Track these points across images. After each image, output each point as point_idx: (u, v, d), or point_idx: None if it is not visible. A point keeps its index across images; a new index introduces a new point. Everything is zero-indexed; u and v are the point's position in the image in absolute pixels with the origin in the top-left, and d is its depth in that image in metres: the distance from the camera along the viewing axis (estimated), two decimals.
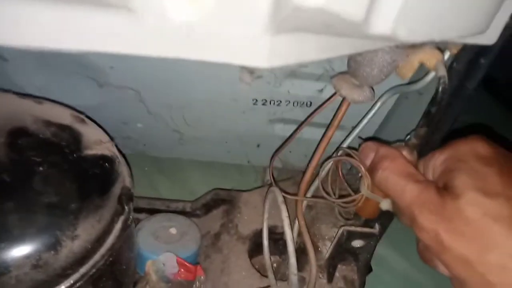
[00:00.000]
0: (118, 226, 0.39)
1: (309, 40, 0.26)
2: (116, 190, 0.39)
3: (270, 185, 0.52)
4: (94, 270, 0.36)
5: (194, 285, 0.56)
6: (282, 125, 0.61)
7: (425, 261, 0.36)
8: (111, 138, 0.42)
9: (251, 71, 0.46)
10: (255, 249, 0.62)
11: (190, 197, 0.70)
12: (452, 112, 0.39)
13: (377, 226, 0.53)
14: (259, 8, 0.22)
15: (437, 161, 0.35)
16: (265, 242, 0.53)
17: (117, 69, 0.50)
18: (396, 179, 0.35)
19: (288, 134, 0.59)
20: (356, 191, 0.47)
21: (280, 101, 0.55)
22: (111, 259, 0.38)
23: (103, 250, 0.37)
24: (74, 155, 0.37)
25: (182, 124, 0.60)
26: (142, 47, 0.25)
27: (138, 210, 0.66)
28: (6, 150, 0.34)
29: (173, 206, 0.66)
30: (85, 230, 0.34)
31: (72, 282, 0.34)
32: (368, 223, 0.54)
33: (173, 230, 0.60)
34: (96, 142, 0.39)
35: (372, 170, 0.38)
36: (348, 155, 0.45)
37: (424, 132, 0.38)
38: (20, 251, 0.31)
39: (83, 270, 0.35)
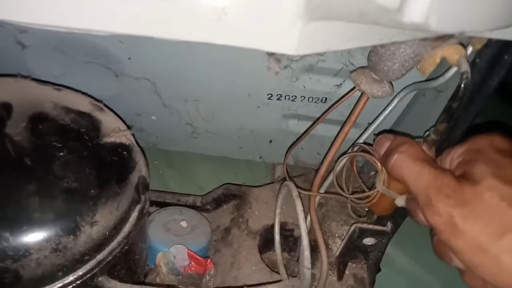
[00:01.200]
0: (134, 214, 0.39)
1: (338, 29, 0.26)
2: (134, 178, 0.39)
3: (284, 180, 0.52)
4: (110, 257, 0.36)
5: (204, 278, 0.55)
6: (296, 121, 0.61)
7: (438, 255, 0.36)
8: (129, 127, 0.42)
9: (278, 59, 0.45)
10: (265, 245, 0.61)
11: (199, 192, 0.70)
12: (473, 108, 0.39)
13: (389, 224, 0.53)
14: None
15: (455, 154, 0.35)
16: (277, 236, 0.53)
17: (134, 60, 0.50)
18: (412, 163, 0.35)
19: (301, 130, 0.59)
20: (370, 188, 0.46)
21: (295, 96, 0.55)
22: (126, 247, 0.38)
23: (120, 237, 0.37)
24: (94, 142, 0.37)
25: (196, 117, 0.60)
26: (172, 31, 0.25)
27: (149, 202, 0.66)
28: (27, 135, 0.34)
29: (184, 200, 0.66)
30: (104, 217, 0.34)
31: (89, 268, 0.34)
32: (380, 221, 0.54)
33: (183, 224, 0.60)
34: (114, 130, 0.39)
35: (387, 156, 0.38)
36: (365, 150, 0.45)
37: (443, 128, 0.38)
38: (41, 234, 0.31)
39: (100, 256, 0.35)
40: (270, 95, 0.55)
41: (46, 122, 0.36)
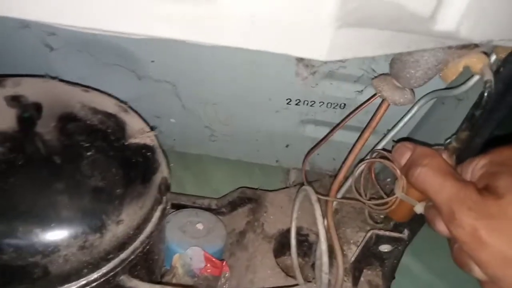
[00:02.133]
0: (157, 214, 0.39)
1: (369, 35, 0.26)
2: (157, 179, 0.39)
3: (301, 185, 0.52)
4: (132, 257, 0.37)
5: (219, 281, 0.56)
6: (313, 126, 0.61)
7: (459, 265, 0.36)
8: (152, 129, 0.43)
9: (307, 65, 0.46)
10: (279, 249, 0.62)
11: (213, 195, 0.70)
12: (495, 117, 0.39)
13: (406, 231, 0.53)
14: None
15: (477, 165, 0.35)
16: (293, 241, 0.53)
17: (157, 63, 0.51)
18: (435, 176, 0.35)
19: (318, 136, 0.59)
20: (388, 194, 0.47)
21: (314, 102, 0.56)
22: (147, 247, 0.39)
23: (142, 237, 0.37)
24: (120, 142, 0.38)
25: (215, 120, 0.61)
26: (205, 35, 0.26)
27: None
28: (57, 134, 0.35)
29: (199, 202, 0.67)
30: (128, 216, 0.35)
31: (112, 266, 0.35)
32: (397, 228, 0.54)
33: (199, 226, 0.60)
34: (139, 131, 0.40)
35: (408, 168, 0.38)
36: (384, 157, 0.45)
37: (466, 136, 0.38)
38: (69, 232, 0.31)
39: (123, 255, 0.36)
40: (289, 100, 0.56)
41: (74, 122, 0.37)
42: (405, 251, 0.70)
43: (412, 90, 0.42)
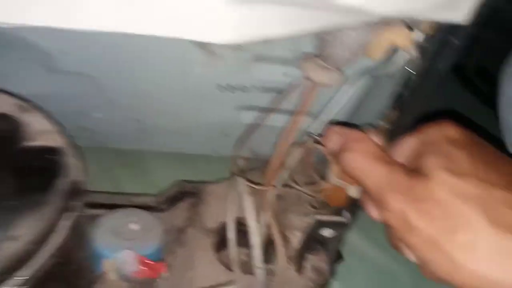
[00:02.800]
0: (65, 224, 0.35)
1: (273, 13, 0.23)
2: (63, 184, 0.35)
3: (233, 174, 0.49)
4: (38, 273, 0.32)
5: (156, 283, 0.52)
6: (250, 112, 0.58)
7: (394, 248, 0.35)
8: (62, 128, 0.38)
9: (211, 51, 0.42)
10: (223, 243, 0.59)
11: (156, 191, 0.66)
12: (423, 94, 0.38)
13: (346, 214, 0.52)
14: None
15: (407, 145, 0.34)
16: (231, 234, 0.50)
17: (67, 53, 0.45)
18: (363, 161, 0.34)
19: (255, 121, 0.57)
20: (325, 178, 0.45)
21: (247, 87, 0.53)
22: (59, 260, 0.35)
23: (48, 251, 0.33)
24: (13, 147, 0.33)
25: (144, 113, 0.56)
26: (78, 19, 0.22)
27: (97, 205, 0.61)
28: None
29: (136, 200, 0.62)
30: (25, 229, 0.31)
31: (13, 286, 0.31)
32: (338, 211, 0.53)
33: (134, 226, 0.56)
34: (40, 132, 0.35)
35: (338, 153, 0.36)
36: (316, 141, 0.43)
37: (393, 115, 0.37)
38: None
39: (24, 273, 0.31)
40: (220, 86, 0.52)
41: None
42: (354, 231, 0.70)
43: (340, 70, 0.40)
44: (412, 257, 0.32)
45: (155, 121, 0.58)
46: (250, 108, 0.57)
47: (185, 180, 0.64)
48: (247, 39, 0.24)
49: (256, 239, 0.43)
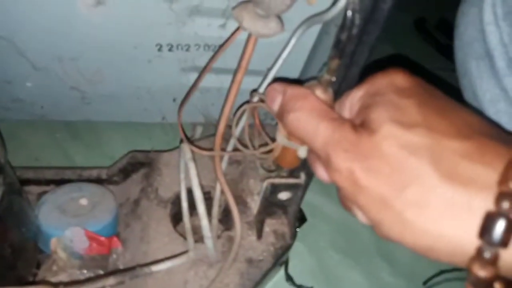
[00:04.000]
0: None
1: None
2: None
3: (181, 142, 0.46)
4: None
5: (110, 258, 0.50)
6: (197, 74, 0.54)
7: (347, 209, 0.33)
8: None
9: None
10: (181, 213, 0.57)
11: (110, 163, 0.63)
12: (367, 40, 0.35)
13: (302, 175, 0.50)
14: None
15: (354, 98, 0.31)
16: (184, 204, 0.48)
17: None
18: (307, 120, 0.31)
19: (206, 83, 0.53)
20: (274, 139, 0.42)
21: (189, 45, 0.48)
22: None
23: None
24: None
25: (80, 79, 0.51)
26: None
27: (45, 182, 0.58)
28: None
29: (86, 174, 0.59)
30: None
31: None
32: (293, 173, 0.51)
33: (83, 201, 0.53)
34: None
35: (281, 114, 0.34)
36: (263, 100, 0.40)
37: (336, 65, 0.33)
38: None
39: None
40: (159, 46, 0.48)
41: None
42: (315, 190, 0.68)
43: (279, 18, 0.37)
44: (363, 219, 0.30)
45: (94, 88, 0.53)
46: (196, 69, 0.53)
47: (137, 150, 0.61)
48: None
49: (201, 208, 0.40)
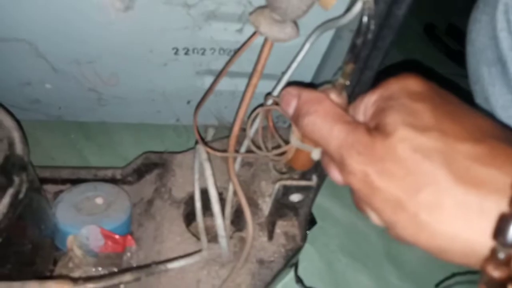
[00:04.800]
0: (4, 201, 0.33)
1: None
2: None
3: (197, 142, 0.47)
4: None
5: (124, 256, 0.51)
6: (211, 77, 0.55)
7: (360, 211, 0.34)
8: None
9: None
10: (193, 213, 0.58)
11: (123, 163, 0.64)
12: (382, 45, 0.36)
13: (314, 178, 0.50)
14: None
15: (368, 102, 0.32)
16: (198, 204, 0.49)
17: None
18: (322, 123, 0.31)
19: (220, 87, 0.54)
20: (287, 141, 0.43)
21: (204, 49, 0.49)
22: (0, 240, 0.33)
23: None
24: None
25: (98, 81, 0.53)
26: None
27: (61, 181, 0.59)
28: None
29: (101, 174, 0.61)
30: None
31: None
32: (305, 175, 0.51)
33: (99, 200, 0.54)
34: None
35: (296, 117, 0.34)
36: (277, 103, 0.41)
37: (351, 70, 0.34)
38: None
39: None
40: (175, 50, 0.49)
41: None
42: (325, 194, 0.69)
43: (294, 23, 0.37)
44: (377, 221, 0.31)
45: (111, 90, 0.55)
46: (211, 72, 0.54)
47: (151, 151, 0.62)
48: None
49: (216, 207, 0.41)
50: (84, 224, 0.50)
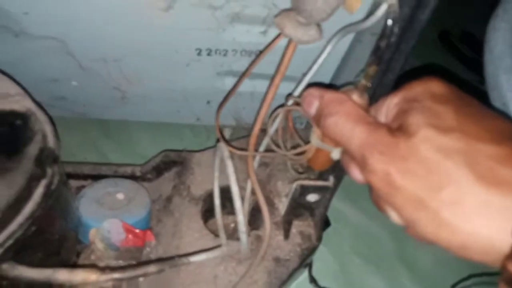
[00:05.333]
0: (38, 191, 0.34)
1: None
2: (32, 150, 0.34)
3: (217, 141, 0.48)
4: (11, 241, 0.32)
5: (144, 251, 0.52)
6: (232, 78, 0.56)
7: (379, 209, 0.34)
8: (26, 92, 0.37)
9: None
10: (211, 211, 0.59)
11: (141, 161, 0.65)
12: (405, 48, 0.36)
13: (331, 178, 0.51)
14: None
15: (390, 104, 0.33)
16: (217, 201, 0.50)
17: (33, 15, 0.43)
18: (344, 123, 0.32)
19: (239, 88, 0.55)
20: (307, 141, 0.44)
21: (226, 51, 0.51)
22: (34, 228, 0.34)
23: (20, 219, 0.32)
24: None
25: (122, 80, 0.54)
26: None
27: (83, 176, 0.61)
28: None
29: (122, 170, 0.62)
30: None
31: None
32: (322, 176, 0.52)
33: (120, 196, 0.56)
34: (3, 95, 0.33)
35: (318, 117, 0.35)
36: (298, 104, 0.42)
37: (373, 72, 0.35)
38: None
39: None
40: (199, 51, 0.50)
41: None
42: (339, 196, 0.70)
43: (318, 26, 0.39)
44: (397, 219, 0.31)
45: (134, 89, 0.56)
46: (232, 73, 0.56)
47: (170, 150, 0.63)
48: None
49: (238, 203, 0.42)
50: (106, 218, 0.51)
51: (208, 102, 0.61)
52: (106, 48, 0.49)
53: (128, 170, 0.62)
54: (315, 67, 0.45)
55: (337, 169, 0.50)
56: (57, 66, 0.51)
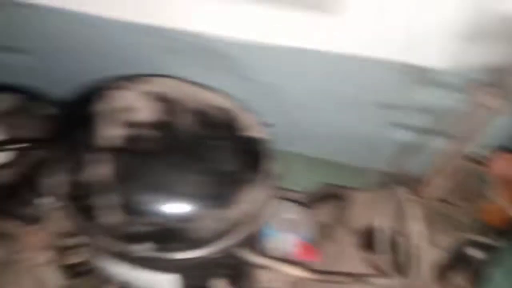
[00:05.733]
0: (268, 199, 0.45)
1: (484, 46, 0.28)
2: (268, 168, 0.46)
3: (391, 186, 0.54)
4: (246, 235, 0.43)
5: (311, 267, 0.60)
6: (402, 130, 0.62)
7: None
8: (266, 125, 0.49)
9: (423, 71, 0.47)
10: (368, 245, 0.64)
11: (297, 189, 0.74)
12: None
13: (498, 238, 0.52)
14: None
15: None
16: (383, 237, 0.55)
17: (257, 65, 0.55)
18: None
19: (406, 140, 0.61)
20: (479, 198, 0.47)
21: (404, 106, 0.57)
22: (256, 228, 0.45)
23: (257, 218, 0.44)
24: (232, 134, 0.45)
25: (301, 119, 0.65)
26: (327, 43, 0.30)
27: None
28: (190, 125, 0.43)
29: (288, 195, 0.72)
30: (247, 198, 0.42)
31: (236, 240, 0.42)
32: (488, 233, 0.54)
33: (291, 215, 0.65)
34: (249, 125, 0.46)
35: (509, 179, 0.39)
36: (478, 162, 0.46)
37: None
38: (204, 207, 0.39)
39: (240, 234, 0.43)
40: (378, 103, 0.58)
41: (202, 115, 0.45)
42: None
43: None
44: None
45: (310, 127, 0.66)
46: (404, 126, 0.61)
47: (332, 184, 0.72)
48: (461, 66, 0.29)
49: (415, 245, 0.47)
50: (282, 231, 0.61)
51: (371, 148, 0.67)
52: (295, 94, 0.60)
53: (295, 195, 0.72)
54: (495, 130, 0.48)
55: (508, 231, 0.51)
56: (261, 105, 0.63)
